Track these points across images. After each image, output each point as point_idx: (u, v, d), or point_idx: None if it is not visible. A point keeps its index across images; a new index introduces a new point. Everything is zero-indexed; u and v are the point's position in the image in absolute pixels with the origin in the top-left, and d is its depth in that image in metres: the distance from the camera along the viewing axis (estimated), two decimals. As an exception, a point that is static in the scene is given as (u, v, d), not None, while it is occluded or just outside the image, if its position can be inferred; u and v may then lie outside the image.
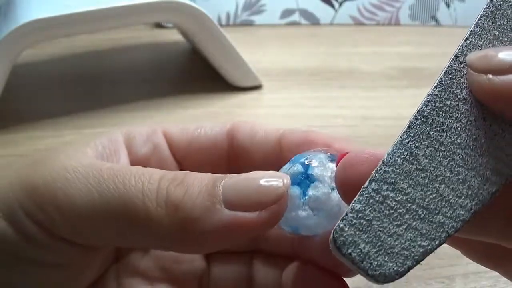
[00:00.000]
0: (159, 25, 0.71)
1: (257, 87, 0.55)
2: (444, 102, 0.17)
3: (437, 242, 0.16)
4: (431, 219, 0.16)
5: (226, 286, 0.23)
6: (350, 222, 0.16)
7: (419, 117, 0.17)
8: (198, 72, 0.58)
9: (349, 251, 0.16)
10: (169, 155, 0.23)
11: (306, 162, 0.20)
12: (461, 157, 0.16)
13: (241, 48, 0.53)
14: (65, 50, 0.64)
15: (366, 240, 0.16)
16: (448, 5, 0.76)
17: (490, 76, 0.16)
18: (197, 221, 0.17)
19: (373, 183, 0.16)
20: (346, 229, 0.16)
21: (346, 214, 0.16)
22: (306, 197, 0.19)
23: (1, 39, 0.44)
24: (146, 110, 0.51)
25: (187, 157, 0.23)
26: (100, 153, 0.21)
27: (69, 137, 0.46)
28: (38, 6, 0.47)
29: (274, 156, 0.22)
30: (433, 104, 0.17)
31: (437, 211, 0.16)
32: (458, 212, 0.16)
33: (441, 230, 0.16)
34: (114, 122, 0.49)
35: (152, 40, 0.68)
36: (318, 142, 0.21)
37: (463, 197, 0.16)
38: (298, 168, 0.20)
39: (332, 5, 0.75)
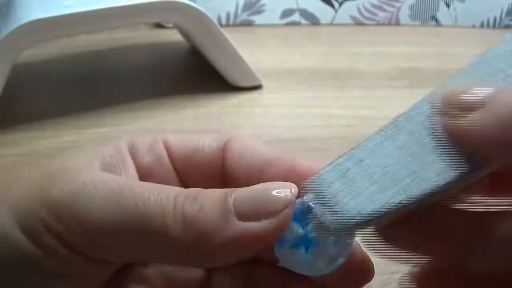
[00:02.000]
0: (159, 25, 0.71)
1: (257, 87, 0.55)
2: (408, 124, 0.19)
3: (400, 198, 0.18)
4: (394, 183, 0.18)
5: None
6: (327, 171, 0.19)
7: (391, 123, 0.20)
8: (198, 72, 0.58)
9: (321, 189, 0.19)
10: (170, 166, 0.23)
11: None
12: (424, 153, 0.19)
13: (241, 48, 0.53)
14: (65, 50, 0.64)
15: (339, 186, 0.19)
16: (448, 5, 0.76)
17: (452, 113, 0.18)
18: (212, 234, 0.18)
19: (340, 158, 0.19)
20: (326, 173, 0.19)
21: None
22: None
23: (1, 39, 0.44)
24: (146, 110, 0.51)
25: (186, 169, 0.23)
26: (108, 164, 0.22)
27: (69, 137, 0.46)
28: (38, 6, 0.47)
29: (258, 181, 0.22)
30: (396, 126, 0.20)
31: (402, 178, 0.18)
32: (423, 182, 0.18)
33: (405, 190, 0.18)
34: (114, 122, 0.49)
35: (152, 40, 0.68)
36: (301, 177, 0.21)
37: (428, 172, 0.18)
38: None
39: (332, 5, 0.75)
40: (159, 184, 0.20)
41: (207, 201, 0.19)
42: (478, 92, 0.18)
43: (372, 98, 0.53)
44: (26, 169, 0.22)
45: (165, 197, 0.19)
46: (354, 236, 0.20)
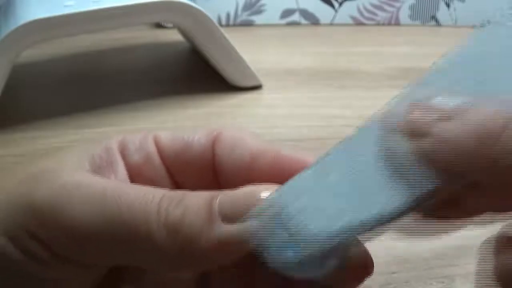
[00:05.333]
0: (159, 25, 0.71)
1: (257, 87, 0.55)
2: (354, 150, 0.19)
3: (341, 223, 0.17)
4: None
5: None
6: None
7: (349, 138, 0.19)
8: (198, 72, 0.58)
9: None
10: (160, 164, 0.23)
11: None
12: (371, 179, 0.18)
13: (241, 48, 0.53)
14: (65, 50, 0.64)
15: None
16: (448, 5, 0.76)
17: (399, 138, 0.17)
18: (196, 239, 0.18)
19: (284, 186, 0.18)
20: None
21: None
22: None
23: (1, 39, 0.44)
24: (146, 110, 0.51)
25: (176, 165, 0.23)
26: (98, 165, 0.21)
27: (69, 137, 0.46)
28: (38, 6, 0.47)
29: (247, 175, 0.22)
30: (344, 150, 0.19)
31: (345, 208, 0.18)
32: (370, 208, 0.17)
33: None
34: (114, 122, 0.49)
35: (152, 40, 0.68)
36: (289, 171, 0.21)
37: (374, 200, 0.18)
38: None
39: (332, 5, 0.75)
40: (144, 187, 0.19)
41: (191, 205, 0.18)
42: (444, 103, 0.17)
43: (372, 98, 0.53)
44: (12, 171, 0.21)
45: (149, 201, 0.18)
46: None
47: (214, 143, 0.22)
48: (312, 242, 0.17)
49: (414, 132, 0.17)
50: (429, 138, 0.17)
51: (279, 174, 0.21)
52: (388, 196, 0.17)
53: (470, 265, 0.32)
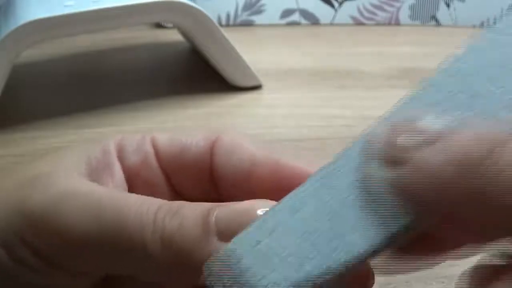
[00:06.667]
0: (159, 25, 0.71)
1: (257, 87, 0.55)
2: (335, 173, 0.17)
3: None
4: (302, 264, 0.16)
5: None
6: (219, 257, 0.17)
7: (319, 170, 0.18)
8: (198, 72, 0.58)
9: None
10: (157, 166, 0.23)
11: None
12: (343, 216, 0.16)
13: (241, 48, 0.53)
14: (65, 50, 0.64)
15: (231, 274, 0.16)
16: (448, 5, 0.76)
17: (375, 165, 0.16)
18: (191, 253, 0.17)
19: (252, 227, 0.17)
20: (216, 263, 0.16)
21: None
22: None
23: (1, 39, 0.44)
24: (146, 110, 0.51)
25: (174, 168, 0.23)
26: (94, 167, 0.21)
27: (69, 137, 0.46)
28: (38, 6, 0.47)
29: (245, 181, 0.21)
30: (325, 172, 0.17)
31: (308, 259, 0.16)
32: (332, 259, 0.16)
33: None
34: (114, 122, 0.49)
35: (152, 40, 0.68)
36: (290, 180, 0.20)
37: (337, 251, 0.16)
38: None
39: (332, 5, 0.75)
40: (141, 196, 0.19)
41: (188, 217, 0.18)
42: (429, 125, 0.16)
43: (372, 98, 0.53)
44: (7, 175, 0.21)
45: (146, 211, 0.18)
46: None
47: (212, 147, 0.22)
48: None
49: (391, 159, 0.16)
50: (407, 166, 0.15)
51: (278, 182, 0.20)
52: (361, 234, 0.16)
53: (470, 265, 0.32)
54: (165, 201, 0.19)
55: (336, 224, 0.16)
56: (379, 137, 0.17)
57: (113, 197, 0.19)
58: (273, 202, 0.18)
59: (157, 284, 0.22)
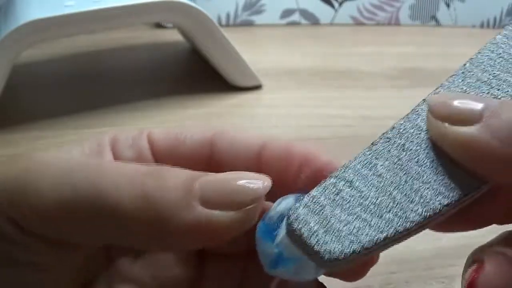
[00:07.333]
0: (159, 25, 0.71)
1: (257, 87, 0.55)
2: (407, 130, 0.19)
3: (384, 235, 0.17)
4: (380, 215, 0.18)
5: None
6: (305, 204, 0.18)
7: (382, 137, 0.19)
8: (198, 72, 0.58)
9: (300, 226, 0.17)
10: (152, 160, 0.22)
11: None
12: (417, 172, 0.18)
13: (241, 48, 0.53)
14: (65, 50, 0.64)
15: (317, 221, 0.17)
16: (448, 5, 0.76)
17: (446, 124, 0.17)
18: (171, 217, 0.17)
19: (332, 178, 0.18)
20: (301, 209, 0.18)
21: (303, 198, 0.18)
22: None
23: (1, 39, 0.44)
24: (146, 110, 0.51)
25: (168, 161, 0.22)
26: (86, 155, 0.21)
27: (69, 137, 0.46)
28: (38, 6, 0.47)
29: (254, 168, 0.21)
30: (397, 130, 0.19)
31: (387, 210, 0.18)
32: (408, 214, 0.18)
33: (389, 226, 0.17)
34: (114, 122, 0.49)
35: (152, 40, 0.68)
36: (298, 157, 0.21)
37: (414, 203, 0.18)
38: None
39: (332, 5, 0.75)
40: (118, 162, 0.18)
41: (169, 180, 0.17)
42: (475, 104, 0.17)
43: (372, 98, 0.53)
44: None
45: (122, 171, 0.17)
46: None
47: (213, 140, 0.22)
48: (332, 261, 0.17)
49: (462, 119, 0.17)
50: (477, 126, 0.17)
51: (290, 162, 0.20)
52: (435, 190, 0.18)
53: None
54: (145, 165, 0.18)
55: (410, 180, 0.18)
56: (445, 101, 0.18)
57: (86, 163, 0.18)
58: (262, 176, 0.18)
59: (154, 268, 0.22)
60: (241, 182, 0.18)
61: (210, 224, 0.17)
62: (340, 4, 0.75)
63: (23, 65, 0.57)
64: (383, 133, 0.19)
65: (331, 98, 0.54)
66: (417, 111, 0.19)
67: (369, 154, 0.19)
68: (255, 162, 0.21)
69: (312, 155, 0.21)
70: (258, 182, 0.18)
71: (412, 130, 0.19)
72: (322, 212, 0.18)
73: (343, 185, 0.18)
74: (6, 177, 0.18)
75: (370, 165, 0.18)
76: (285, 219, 0.18)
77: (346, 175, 0.18)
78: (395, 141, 0.19)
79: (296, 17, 0.75)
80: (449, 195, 0.17)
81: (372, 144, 0.19)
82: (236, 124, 0.49)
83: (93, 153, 0.21)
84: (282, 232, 0.18)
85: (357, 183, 0.18)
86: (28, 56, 0.56)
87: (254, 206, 0.18)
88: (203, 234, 0.17)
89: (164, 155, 0.22)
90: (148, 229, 0.17)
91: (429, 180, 0.18)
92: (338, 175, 0.18)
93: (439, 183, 0.18)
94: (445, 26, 0.76)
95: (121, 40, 0.66)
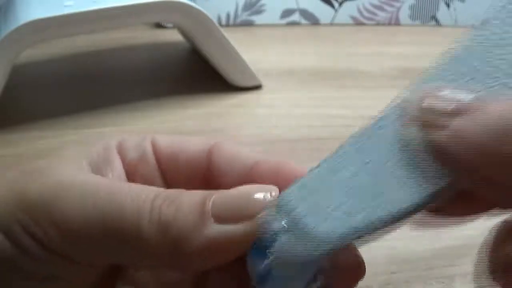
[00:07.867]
0: (159, 25, 0.71)
1: (257, 87, 0.55)
2: (375, 130, 0.19)
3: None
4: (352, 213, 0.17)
5: None
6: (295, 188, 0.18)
7: (361, 132, 0.19)
8: (198, 72, 0.58)
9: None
10: (154, 164, 0.23)
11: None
12: (386, 171, 0.18)
13: (241, 48, 0.53)
14: (65, 50, 0.64)
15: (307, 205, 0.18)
16: (448, 5, 0.76)
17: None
18: (187, 239, 0.18)
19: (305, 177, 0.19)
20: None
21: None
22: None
23: (1, 39, 0.44)
24: (146, 110, 0.51)
25: (170, 168, 0.23)
26: (95, 162, 0.21)
27: (69, 137, 0.46)
28: (38, 6, 0.47)
29: (247, 181, 0.22)
30: (365, 132, 0.19)
31: (359, 210, 0.17)
32: (376, 212, 0.17)
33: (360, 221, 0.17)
34: (114, 122, 0.49)
35: (152, 40, 0.68)
36: (288, 175, 0.21)
37: (383, 202, 0.17)
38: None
39: (332, 5, 0.75)
40: (139, 185, 0.19)
41: (184, 203, 0.18)
42: (457, 97, 0.17)
43: (372, 98, 0.53)
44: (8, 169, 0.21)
45: (143, 198, 0.18)
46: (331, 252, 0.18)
47: (211, 150, 0.23)
48: (322, 244, 0.17)
49: (430, 124, 0.17)
50: (445, 131, 0.16)
51: (280, 179, 0.21)
52: (405, 191, 0.17)
53: (470, 265, 0.32)
54: (163, 189, 0.19)
55: (379, 182, 0.18)
56: (416, 104, 0.18)
57: (111, 186, 0.19)
58: (271, 187, 0.19)
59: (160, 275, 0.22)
60: (257, 195, 0.18)
61: (224, 238, 0.18)
62: (340, 4, 0.75)
63: (23, 65, 0.57)
64: (350, 135, 0.19)
65: (331, 98, 0.54)
66: (388, 114, 0.19)
67: (336, 158, 0.19)
68: (248, 177, 0.22)
69: (300, 174, 0.21)
70: (267, 194, 0.19)
71: (381, 136, 0.19)
72: (296, 210, 0.18)
73: (319, 181, 0.18)
74: (28, 191, 0.19)
75: (349, 159, 0.18)
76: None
77: (313, 180, 0.18)
78: (362, 142, 0.19)
79: (296, 17, 0.75)
80: (432, 185, 0.17)
81: (339, 147, 0.19)
82: (236, 124, 0.49)
83: (101, 158, 0.22)
84: (272, 249, 0.18)
85: (333, 178, 0.18)
86: (28, 56, 0.56)
87: (263, 215, 0.18)
88: (218, 249, 0.18)
89: (167, 161, 0.23)
90: (167, 252, 0.18)
91: (401, 180, 0.17)
92: (311, 172, 0.19)
93: (422, 176, 0.17)
94: (445, 26, 0.76)
95: (121, 40, 0.66)
